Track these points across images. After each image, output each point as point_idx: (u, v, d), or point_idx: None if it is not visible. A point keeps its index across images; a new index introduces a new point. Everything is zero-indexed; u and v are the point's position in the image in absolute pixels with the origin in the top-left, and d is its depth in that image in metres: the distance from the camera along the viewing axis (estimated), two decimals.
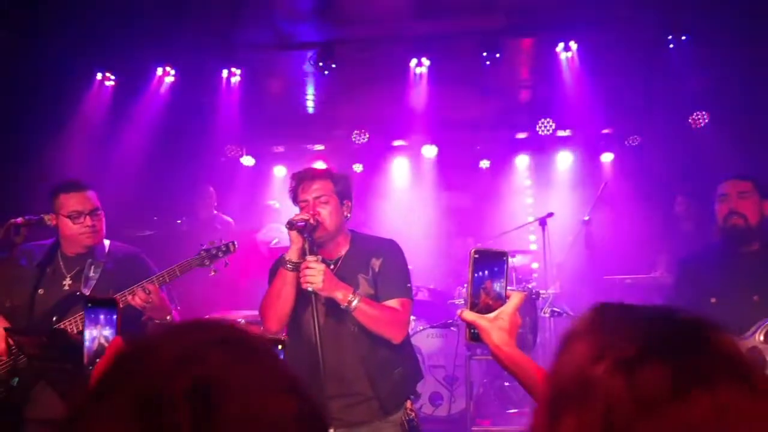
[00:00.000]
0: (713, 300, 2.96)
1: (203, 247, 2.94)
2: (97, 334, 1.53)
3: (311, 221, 2.53)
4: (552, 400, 0.77)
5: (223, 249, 2.94)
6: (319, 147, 7.96)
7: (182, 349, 0.66)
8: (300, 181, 2.70)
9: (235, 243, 2.98)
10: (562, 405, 0.75)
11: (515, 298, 1.37)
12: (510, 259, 1.45)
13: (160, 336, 0.69)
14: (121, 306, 2.68)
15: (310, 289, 2.42)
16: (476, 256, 1.36)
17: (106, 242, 3.04)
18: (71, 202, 2.90)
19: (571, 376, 0.76)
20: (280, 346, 1.27)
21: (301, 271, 2.45)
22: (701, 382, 0.69)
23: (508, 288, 1.38)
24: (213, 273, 2.94)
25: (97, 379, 0.66)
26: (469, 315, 1.37)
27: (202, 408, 0.60)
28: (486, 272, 1.36)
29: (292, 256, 2.54)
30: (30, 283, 2.83)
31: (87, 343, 1.53)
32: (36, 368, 2.46)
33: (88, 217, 2.91)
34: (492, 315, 1.36)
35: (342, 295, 2.46)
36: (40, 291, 2.85)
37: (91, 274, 2.91)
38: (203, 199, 6.15)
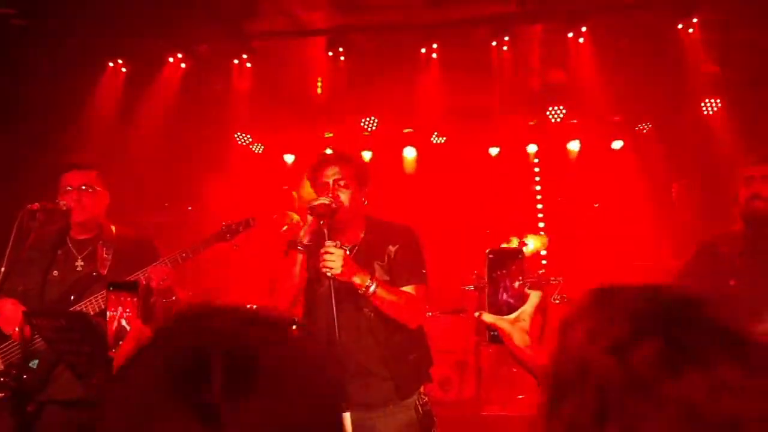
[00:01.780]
0: (732, 282, 2.94)
1: (224, 223, 3.00)
2: (119, 316, 1.56)
3: (332, 205, 2.54)
4: (551, 387, 0.77)
5: (243, 224, 3.02)
6: (329, 134, 7.96)
7: (224, 319, 0.69)
8: (320, 164, 2.71)
9: (254, 218, 3.06)
10: (561, 391, 0.75)
11: (535, 297, 1.32)
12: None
13: (202, 309, 0.71)
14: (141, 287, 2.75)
15: (328, 274, 2.43)
16: (491, 256, 1.32)
17: (113, 227, 3.07)
18: (66, 179, 2.95)
19: (568, 361, 0.76)
20: (293, 327, 1.30)
21: (320, 256, 2.46)
22: (694, 359, 0.68)
23: (526, 286, 1.33)
24: (235, 247, 3.06)
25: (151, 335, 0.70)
26: (489, 317, 1.32)
27: (236, 372, 0.62)
28: (502, 272, 1.32)
29: (304, 237, 2.57)
30: (42, 265, 2.85)
31: (109, 326, 1.56)
32: (54, 351, 2.49)
33: (75, 191, 2.92)
34: (512, 316, 1.31)
35: (360, 280, 2.47)
36: (54, 273, 2.88)
37: (105, 255, 2.94)
38: (206, 186, 6.24)
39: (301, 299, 2.79)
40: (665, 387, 0.67)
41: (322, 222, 2.51)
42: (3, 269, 2.65)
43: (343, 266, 2.43)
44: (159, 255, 3.02)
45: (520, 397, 5.73)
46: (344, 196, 2.62)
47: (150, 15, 4.86)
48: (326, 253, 2.44)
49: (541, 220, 7.42)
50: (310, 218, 2.55)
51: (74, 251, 2.96)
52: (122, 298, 1.55)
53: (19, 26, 4.56)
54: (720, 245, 3.17)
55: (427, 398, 2.72)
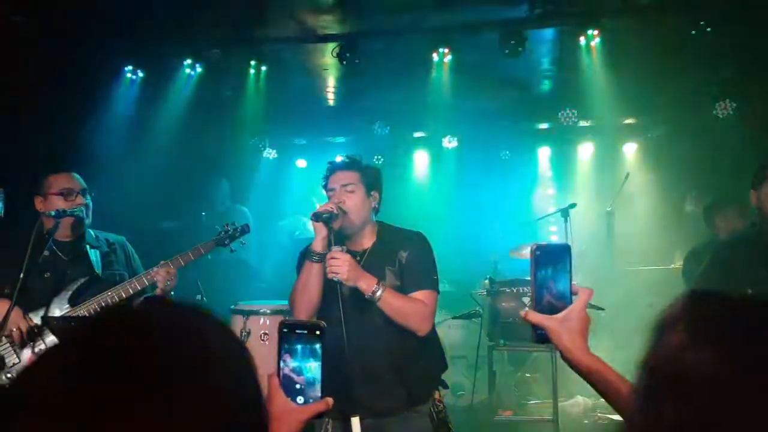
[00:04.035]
0: (749, 291, 2.90)
1: (222, 228, 3.16)
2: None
3: (335, 211, 2.55)
4: (647, 386, 0.76)
5: (240, 230, 3.17)
6: (341, 139, 7.99)
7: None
8: (330, 171, 2.75)
9: (249, 225, 3.25)
10: (659, 391, 0.74)
11: (584, 295, 1.28)
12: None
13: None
14: (141, 288, 2.78)
15: (335, 279, 2.45)
16: (538, 252, 1.26)
17: (91, 231, 3.10)
18: (61, 180, 2.96)
19: (667, 362, 0.74)
20: (318, 332, 1.29)
21: (326, 261, 2.48)
22: None
23: (573, 284, 1.28)
24: (231, 251, 3.21)
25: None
26: (535, 316, 1.26)
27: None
28: (549, 269, 1.26)
29: (317, 246, 2.57)
30: (30, 268, 2.77)
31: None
32: None
33: (79, 195, 2.96)
34: (560, 315, 1.26)
35: (366, 285, 2.48)
36: (46, 275, 2.89)
37: (94, 258, 2.98)
38: (217, 191, 6.29)
39: None
40: None
41: (329, 227, 2.53)
42: (21, 275, 2.68)
43: (348, 271, 2.44)
44: (135, 257, 3.15)
45: (533, 402, 5.71)
46: (351, 202, 2.64)
47: (164, 20, 4.90)
48: (332, 258, 2.46)
49: (553, 223, 7.39)
50: (317, 226, 2.57)
51: (60, 253, 2.96)
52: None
53: (33, 33, 4.61)
54: (735, 251, 3.13)
55: (442, 405, 2.70)
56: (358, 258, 2.64)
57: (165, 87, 5.77)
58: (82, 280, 2.91)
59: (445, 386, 2.82)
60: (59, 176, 2.98)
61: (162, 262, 2.92)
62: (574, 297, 1.28)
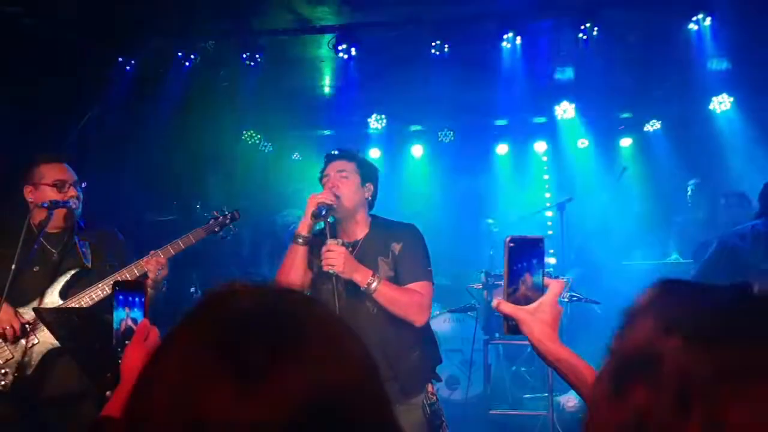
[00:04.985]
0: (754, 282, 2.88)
1: (211, 216, 3.10)
2: (125, 316, 1.55)
3: (331, 202, 2.57)
4: (616, 373, 0.76)
5: (230, 217, 3.11)
6: (337, 132, 7.97)
7: (264, 289, 0.72)
8: (327, 160, 2.80)
9: (239, 211, 3.16)
10: (629, 377, 0.74)
11: (555, 287, 1.30)
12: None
13: (242, 284, 0.73)
14: (131, 278, 2.75)
15: (330, 271, 2.47)
16: (512, 244, 1.28)
17: (80, 222, 3.05)
18: (54, 171, 2.90)
19: (637, 348, 0.74)
20: None
21: (322, 254, 2.49)
22: None
23: (546, 277, 1.31)
24: (221, 238, 3.13)
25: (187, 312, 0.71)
26: (507, 307, 1.29)
27: (278, 334, 0.63)
28: (522, 261, 1.28)
29: (303, 230, 2.60)
30: (19, 261, 2.71)
31: (115, 326, 1.54)
32: (66, 348, 2.49)
33: (72, 187, 2.91)
34: (532, 306, 1.28)
35: (361, 277, 2.51)
36: (35, 269, 2.85)
37: (84, 249, 2.93)
38: (213, 185, 6.28)
39: None
40: (757, 385, 0.66)
41: (322, 214, 2.54)
42: (13, 267, 2.65)
43: (343, 263, 2.46)
44: (126, 246, 3.08)
45: (528, 396, 5.72)
46: (345, 189, 2.67)
47: (158, 11, 4.86)
48: (328, 251, 2.48)
49: (549, 218, 7.39)
50: (308, 213, 2.59)
51: (49, 246, 2.92)
52: (129, 298, 1.55)
53: (27, 25, 4.57)
54: (743, 242, 3.11)
55: (435, 398, 2.70)
56: (351, 248, 2.65)
57: (159, 79, 5.72)
58: (72, 273, 2.88)
59: (438, 379, 2.82)
60: (52, 166, 2.92)
61: (152, 251, 2.88)
62: (545, 289, 1.31)
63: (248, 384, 0.60)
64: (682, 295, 0.78)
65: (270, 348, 0.62)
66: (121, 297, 1.56)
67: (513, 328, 1.29)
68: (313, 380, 0.62)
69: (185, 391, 0.61)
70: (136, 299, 1.56)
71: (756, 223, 3.24)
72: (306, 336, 0.65)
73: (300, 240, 2.61)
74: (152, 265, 2.82)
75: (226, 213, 3.11)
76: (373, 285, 2.50)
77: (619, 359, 0.77)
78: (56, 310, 2.63)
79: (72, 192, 2.91)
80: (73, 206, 2.90)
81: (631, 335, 0.77)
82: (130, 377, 1.40)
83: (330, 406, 0.62)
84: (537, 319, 1.27)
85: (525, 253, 1.29)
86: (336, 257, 2.46)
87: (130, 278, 2.80)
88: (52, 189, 2.87)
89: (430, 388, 2.71)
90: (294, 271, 2.61)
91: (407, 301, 2.59)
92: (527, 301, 1.29)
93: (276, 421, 0.59)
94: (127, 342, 1.51)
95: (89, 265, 2.90)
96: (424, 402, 2.66)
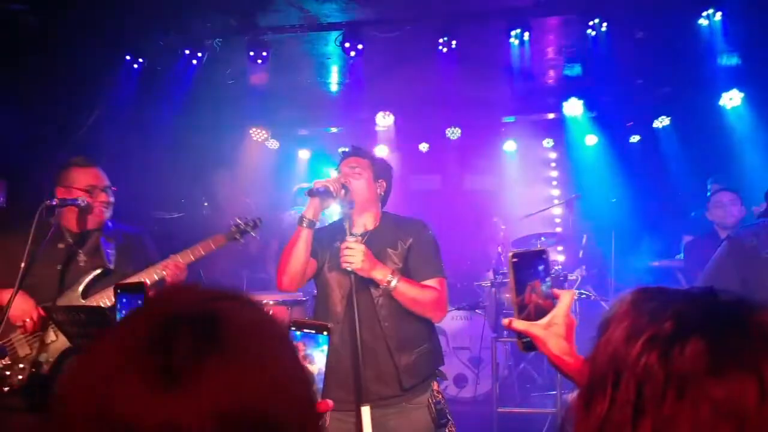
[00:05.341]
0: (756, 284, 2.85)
1: (233, 223, 3.07)
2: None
3: (331, 187, 2.52)
4: (588, 386, 0.77)
5: (251, 224, 3.09)
6: (344, 129, 7.96)
7: (200, 292, 0.71)
8: (343, 157, 2.80)
9: (261, 219, 3.14)
10: (596, 388, 0.75)
11: (566, 298, 1.27)
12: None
13: (181, 286, 0.74)
14: (150, 282, 2.77)
15: (349, 268, 2.45)
16: (515, 259, 1.25)
17: (109, 221, 3.08)
18: (87, 176, 2.94)
19: (607, 359, 0.76)
20: (325, 332, 1.26)
21: (340, 251, 2.48)
22: (741, 363, 0.69)
23: (554, 288, 1.28)
24: (241, 243, 3.12)
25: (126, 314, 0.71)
26: (520, 324, 1.24)
27: (201, 337, 0.63)
28: (527, 275, 1.26)
29: (308, 213, 2.56)
30: (44, 260, 2.79)
31: None
32: (74, 345, 2.50)
33: (102, 192, 2.95)
34: (544, 321, 1.24)
35: (381, 275, 2.48)
36: (58, 267, 2.87)
37: (109, 249, 2.97)
38: (219, 182, 6.28)
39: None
40: (708, 386, 0.68)
41: (319, 192, 2.50)
42: (23, 264, 2.66)
43: (363, 261, 2.44)
44: (152, 247, 3.12)
45: (536, 394, 5.71)
46: (357, 183, 2.66)
47: (165, 9, 4.86)
48: (347, 248, 2.45)
49: (558, 215, 7.35)
50: (313, 199, 2.56)
51: (74, 246, 2.94)
52: (131, 300, 1.55)
53: (33, 22, 4.58)
54: (755, 239, 3.06)
55: (441, 396, 2.69)
56: (360, 237, 2.64)
57: (165, 77, 5.73)
58: (95, 273, 2.90)
59: (443, 377, 2.81)
60: (85, 170, 2.96)
61: (171, 255, 2.92)
62: (555, 301, 1.27)
63: (167, 383, 0.59)
64: (652, 301, 0.78)
65: (194, 349, 0.61)
66: (123, 299, 1.56)
67: (528, 344, 1.26)
68: (232, 385, 0.61)
69: (105, 383, 0.60)
70: (138, 301, 1.56)
71: (765, 220, 3.20)
72: (233, 340, 0.64)
73: (304, 222, 2.56)
74: (171, 269, 2.86)
75: (248, 220, 3.09)
76: (393, 283, 2.47)
77: (591, 371, 0.78)
78: (66, 308, 2.64)
79: (103, 197, 2.95)
80: (81, 204, 2.91)
81: (602, 345, 0.78)
82: None
83: (247, 413, 0.61)
84: (551, 333, 1.23)
85: (529, 266, 1.26)
86: (355, 254, 2.43)
87: (149, 281, 2.83)
88: (83, 194, 2.91)
89: (435, 386, 2.69)
90: (295, 255, 2.57)
91: (425, 298, 2.57)
92: (539, 313, 1.25)
93: (189, 423, 0.58)
94: None
95: (111, 267, 2.92)
96: (430, 401, 2.64)
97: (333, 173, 2.83)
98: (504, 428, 4.79)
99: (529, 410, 5.27)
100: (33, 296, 2.78)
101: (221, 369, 0.61)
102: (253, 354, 0.65)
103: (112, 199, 3.00)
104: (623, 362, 0.73)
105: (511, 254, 1.26)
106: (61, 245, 2.89)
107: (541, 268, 1.27)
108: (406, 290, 2.50)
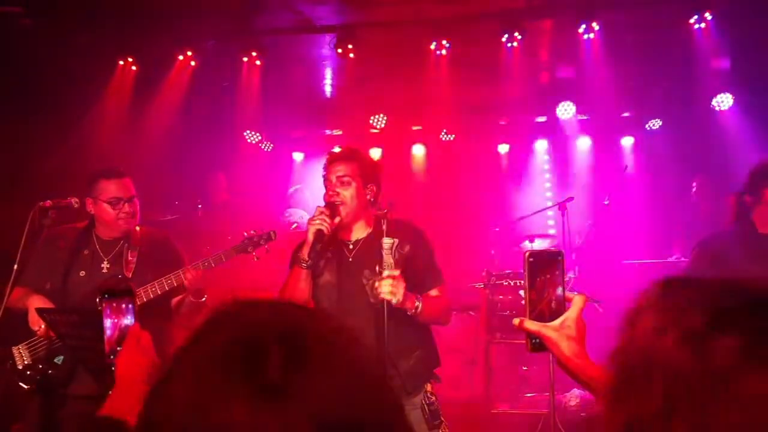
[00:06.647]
0: None
1: (246, 236, 3.05)
2: (116, 323, 1.55)
3: (324, 230, 2.56)
4: (615, 381, 0.75)
5: (265, 237, 3.06)
6: (338, 132, 7.95)
7: (272, 306, 0.73)
8: (327, 162, 2.77)
9: (276, 232, 3.10)
10: (625, 384, 0.73)
11: (579, 302, 1.26)
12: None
13: (249, 299, 0.74)
14: (161, 290, 2.80)
15: (393, 300, 2.42)
16: (531, 259, 1.24)
17: (137, 227, 3.14)
18: (112, 188, 3.00)
19: (634, 353, 0.73)
20: None
21: (378, 282, 2.46)
22: None
23: (567, 292, 1.28)
24: (255, 259, 3.07)
25: (193, 328, 0.71)
26: (533, 325, 1.24)
27: (291, 351, 0.64)
28: (543, 275, 1.25)
29: (305, 254, 2.58)
30: (67, 265, 2.91)
31: (107, 333, 1.55)
32: (67, 346, 2.52)
33: (126, 203, 3.00)
34: (557, 322, 1.24)
35: (410, 303, 2.51)
36: (81, 273, 2.95)
37: (129, 257, 3.01)
38: (213, 185, 6.26)
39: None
40: (748, 382, 0.65)
41: (318, 234, 2.54)
42: (16, 267, 2.68)
43: (403, 294, 2.44)
44: (179, 254, 3.14)
45: (530, 395, 5.71)
46: (346, 193, 2.66)
47: (159, 12, 4.86)
48: (387, 279, 2.43)
49: (551, 217, 7.38)
50: (310, 237, 2.57)
51: (100, 252, 3.02)
52: (119, 305, 1.55)
53: (28, 25, 4.57)
54: (724, 244, 3.08)
55: (434, 397, 2.71)
56: (351, 246, 2.65)
57: (160, 80, 5.73)
58: (111, 281, 2.94)
59: (438, 379, 2.82)
60: (111, 182, 3.01)
61: (189, 266, 2.95)
62: (568, 304, 1.27)
63: (265, 402, 0.61)
64: (681, 293, 0.76)
65: (287, 367, 0.63)
66: (109, 304, 1.56)
67: (537, 346, 1.25)
68: (327, 394, 0.63)
69: (199, 410, 0.62)
70: (127, 305, 1.56)
71: (739, 225, 3.20)
72: (320, 352, 0.66)
73: (304, 264, 2.59)
74: (189, 276, 2.89)
75: (262, 234, 3.06)
76: (419, 308, 2.53)
77: (619, 365, 0.76)
78: (57, 310, 2.66)
79: (126, 209, 3.00)
80: (76, 205, 2.94)
81: (630, 338, 0.76)
82: (124, 382, 1.43)
83: (342, 420, 0.63)
84: (564, 336, 1.23)
85: (545, 267, 1.25)
86: (398, 288, 2.43)
87: (167, 287, 2.86)
88: (108, 206, 2.97)
89: (428, 387, 2.71)
90: (298, 294, 2.59)
91: (439, 311, 2.72)
92: (551, 315, 1.25)
93: None
94: (119, 348, 1.52)
95: (129, 274, 2.97)
96: (423, 401, 2.67)
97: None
98: (497, 429, 4.80)
99: (523, 411, 5.28)
100: (54, 301, 2.84)
101: (315, 382, 0.63)
102: (339, 363, 0.67)
103: (133, 209, 3.03)
104: (653, 357, 0.70)
105: (527, 253, 1.26)
106: (86, 251, 2.98)
107: (556, 269, 1.26)
108: (428, 310, 2.57)
